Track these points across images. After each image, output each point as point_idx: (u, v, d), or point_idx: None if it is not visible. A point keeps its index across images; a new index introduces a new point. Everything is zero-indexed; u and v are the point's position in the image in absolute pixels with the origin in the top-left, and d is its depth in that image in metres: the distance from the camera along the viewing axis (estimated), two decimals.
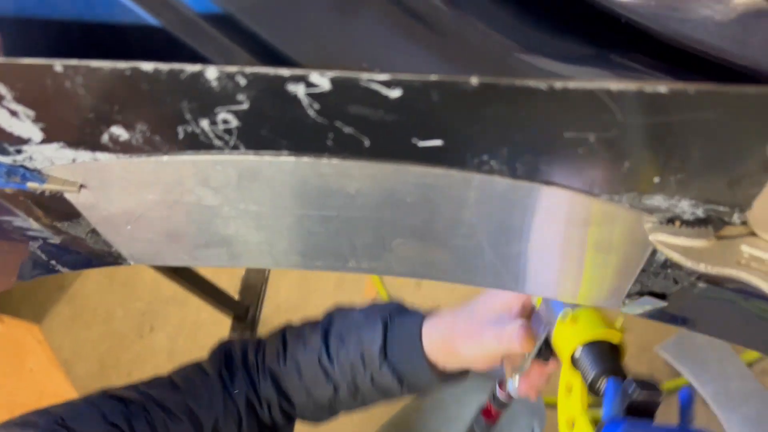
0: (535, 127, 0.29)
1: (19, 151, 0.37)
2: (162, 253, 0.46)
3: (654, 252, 0.38)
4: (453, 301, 1.86)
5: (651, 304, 0.43)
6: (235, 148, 0.34)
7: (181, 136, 0.33)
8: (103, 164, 0.37)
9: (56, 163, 0.37)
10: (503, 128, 0.30)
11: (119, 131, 0.34)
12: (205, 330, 2.11)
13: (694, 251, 0.34)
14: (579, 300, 0.44)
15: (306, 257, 0.43)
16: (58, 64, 0.30)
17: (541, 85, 0.27)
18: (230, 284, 2.04)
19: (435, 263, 0.42)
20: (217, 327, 2.07)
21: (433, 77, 0.27)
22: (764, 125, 0.27)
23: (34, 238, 0.47)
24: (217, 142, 0.33)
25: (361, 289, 1.97)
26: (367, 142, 0.32)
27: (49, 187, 0.38)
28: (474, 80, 0.27)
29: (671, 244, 0.34)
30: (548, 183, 0.33)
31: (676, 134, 0.28)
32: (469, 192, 0.34)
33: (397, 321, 0.77)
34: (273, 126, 0.32)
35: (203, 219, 0.40)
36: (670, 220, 0.34)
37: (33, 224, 0.45)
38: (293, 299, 2.04)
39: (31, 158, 0.37)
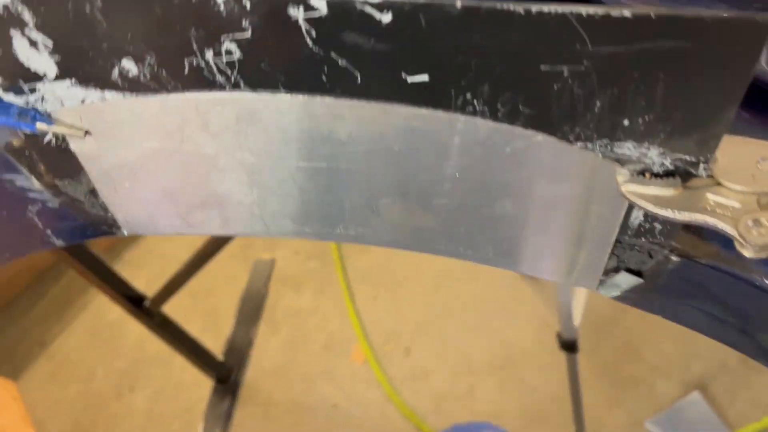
0: (514, 57, 0.32)
1: (32, 90, 0.39)
2: (156, 218, 0.47)
3: (628, 214, 0.40)
4: (442, 370, 1.84)
5: (627, 282, 0.45)
6: (235, 85, 0.36)
7: (186, 70, 0.36)
8: (110, 105, 0.39)
9: (66, 104, 0.40)
10: (485, 60, 0.32)
11: (129, 65, 0.36)
12: (185, 392, 2.06)
13: (663, 200, 0.35)
14: (559, 278, 0.46)
15: (296, 222, 0.45)
16: None
17: (519, 8, 0.30)
18: (215, 344, 2.01)
19: (421, 230, 0.43)
20: (199, 389, 2.03)
21: (421, 0, 0.30)
22: (718, 56, 0.30)
23: (34, 201, 0.48)
24: (220, 78, 0.36)
25: (349, 353, 1.95)
26: (359, 78, 0.34)
27: (56, 129, 0.41)
28: (458, 3, 0.30)
29: (642, 194, 0.36)
30: (526, 126, 0.35)
31: (642, 68, 0.31)
32: (453, 138, 0.37)
33: None
34: (272, 58, 0.34)
35: (200, 171, 0.42)
36: (641, 173, 0.36)
37: (35, 183, 0.47)
38: (279, 363, 2.01)
39: (42, 98, 0.39)
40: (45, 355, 2.27)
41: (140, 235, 1.81)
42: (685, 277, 0.44)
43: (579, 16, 0.29)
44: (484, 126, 0.36)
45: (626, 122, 0.34)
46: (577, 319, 1.41)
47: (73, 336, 2.30)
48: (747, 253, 0.34)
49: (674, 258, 0.42)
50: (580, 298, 1.47)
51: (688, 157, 0.35)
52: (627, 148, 0.35)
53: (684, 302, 0.46)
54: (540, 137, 0.36)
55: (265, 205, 0.44)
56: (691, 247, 0.42)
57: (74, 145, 0.43)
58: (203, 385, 2.02)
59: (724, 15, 0.29)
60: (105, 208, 0.48)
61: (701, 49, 0.30)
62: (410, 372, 1.90)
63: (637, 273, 0.44)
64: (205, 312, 2.21)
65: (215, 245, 1.62)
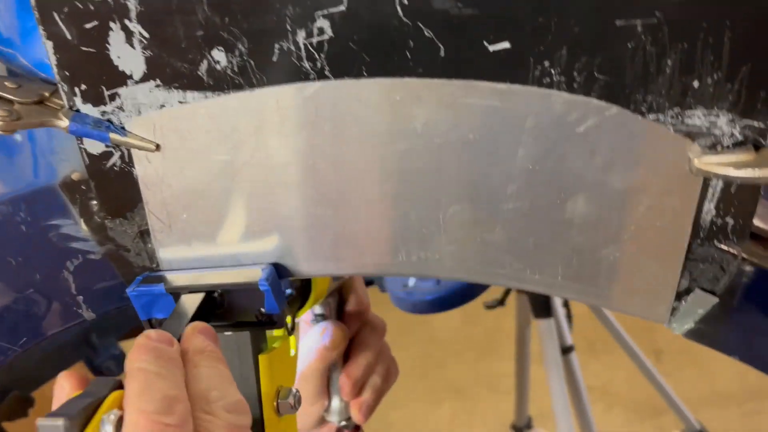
0: (592, 13, 0.35)
1: (112, 98, 0.40)
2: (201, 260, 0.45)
3: (700, 207, 0.40)
4: None
5: (703, 305, 0.43)
6: (320, 73, 0.38)
7: (275, 56, 0.38)
8: (189, 109, 0.40)
9: (143, 112, 0.40)
10: (563, 19, 0.35)
11: (219, 55, 0.38)
12: None
13: (740, 164, 0.36)
14: (628, 306, 0.44)
15: (353, 249, 0.44)
16: None
17: None
18: None
19: (486, 247, 0.42)
20: None
21: None
22: None
23: (75, 254, 0.46)
24: (306, 64, 0.38)
25: None
26: (442, 51, 0.37)
27: (129, 140, 0.41)
28: None
29: (717, 163, 0.37)
30: (600, 97, 0.37)
31: (710, 17, 0.34)
32: (528, 119, 0.38)
33: None
34: (361, 35, 0.37)
35: (265, 191, 0.42)
36: (712, 146, 0.38)
37: (82, 228, 0.45)
38: None
39: (121, 107, 0.40)
40: None
41: None
42: (761, 293, 0.43)
43: None
44: (559, 100, 0.37)
45: (696, 84, 0.36)
46: None
47: None
48: None
49: (748, 268, 0.42)
50: None
51: (757, 124, 0.37)
52: (697, 118, 0.37)
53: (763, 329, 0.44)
54: (614, 110, 0.37)
55: (324, 230, 0.43)
56: (762, 256, 0.41)
57: (139, 167, 0.43)
58: None
59: None
60: (151, 257, 0.46)
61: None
62: None
63: (710, 293, 0.43)
64: None
65: None
